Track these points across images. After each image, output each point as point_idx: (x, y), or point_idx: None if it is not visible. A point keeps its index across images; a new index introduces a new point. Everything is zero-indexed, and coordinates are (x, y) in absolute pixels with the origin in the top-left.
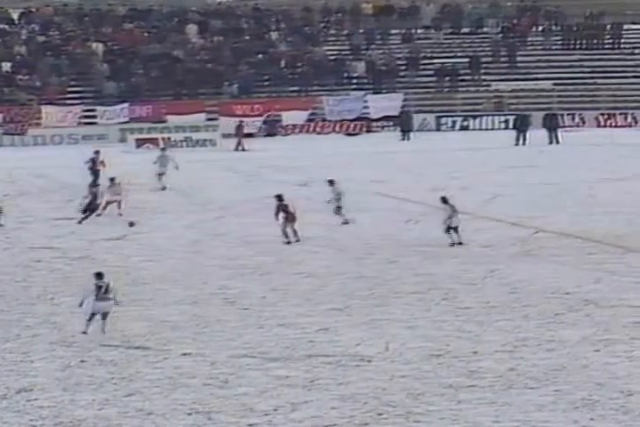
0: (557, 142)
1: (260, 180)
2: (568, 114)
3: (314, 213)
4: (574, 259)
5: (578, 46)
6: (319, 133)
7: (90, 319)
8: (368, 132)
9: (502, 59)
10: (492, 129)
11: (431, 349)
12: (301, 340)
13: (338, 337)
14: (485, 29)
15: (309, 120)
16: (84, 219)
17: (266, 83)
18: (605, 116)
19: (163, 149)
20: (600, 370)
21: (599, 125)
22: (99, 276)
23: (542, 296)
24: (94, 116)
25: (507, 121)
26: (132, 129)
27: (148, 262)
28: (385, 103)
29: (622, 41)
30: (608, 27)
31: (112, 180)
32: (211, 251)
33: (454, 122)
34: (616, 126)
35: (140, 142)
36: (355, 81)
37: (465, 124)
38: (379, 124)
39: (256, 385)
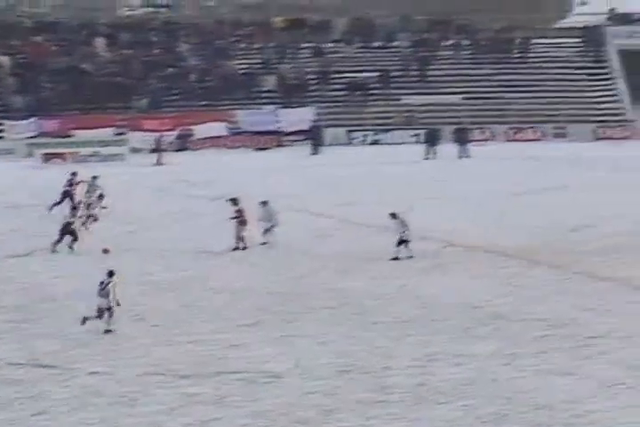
0: (467, 156)
1: (172, 194)
2: (478, 128)
3: (225, 228)
4: (484, 273)
5: (487, 61)
6: (230, 148)
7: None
8: (279, 146)
9: (413, 73)
10: (403, 143)
11: (342, 364)
12: (212, 356)
13: (249, 353)
14: (396, 43)
15: (220, 134)
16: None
17: (176, 97)
18: (514, 131)
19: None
20: (509, 384)
21: (508, 139)
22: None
23: (453, 310)
24: (1, 131)
25: (417, 135)
26: (39, 144)
27: (56, 279)
28: (296, 117)
29: (530, 55)
30: (517, 41)
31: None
32: (122, 266)
33: (365, 136)
34: (525, 140)
35: (48, 157)
36: (265, 95)
37: (376, 138)
38: (290, 138)
39: (165, 403)
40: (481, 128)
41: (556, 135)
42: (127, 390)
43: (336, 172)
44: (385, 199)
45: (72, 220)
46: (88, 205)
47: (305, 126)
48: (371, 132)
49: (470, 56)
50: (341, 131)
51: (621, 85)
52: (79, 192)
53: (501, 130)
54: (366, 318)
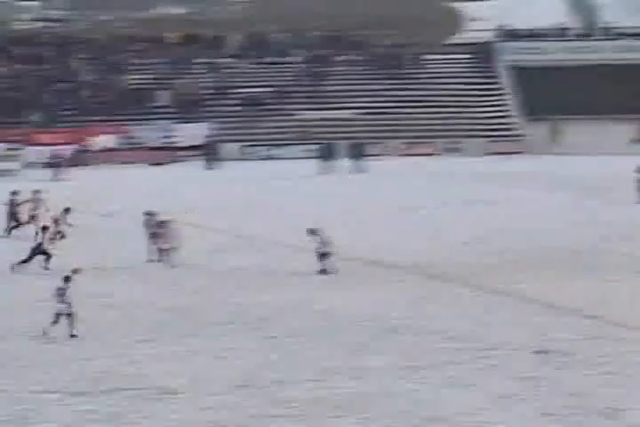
0: (362, 171)
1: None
2: (372, 143)
3: (119, 243)
4: (381, 286)
5: (381, 76)
6: (125, 163)
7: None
8: (174, 161)
9: (307, 88)
10: (298, 158)
11: (238, 379)
12: (106, 373)
13: (144, 369)
14: (290, 59)
15: (115, 149)
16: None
17: (70, 111)
18: (408, 145)
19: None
20: (404, 397)
21: (402, 154)
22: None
23: (350, 324)
24: None
25: (312, 150)
26: None
27: None
28: (191, 132)
29: (423, 71)
30: (409, 57)
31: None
32: (15, 283)
33: (260, 151)
34: (419, 155)
35: None
36: (160, 110)
37: (271, 153)
38: (185, 153)
39: (58, 421)
40: (375, 143)
41: (449, 150)
42: (19, 409)
43: (231, 187)
44: (281, 214)
45: (42, 240)
46: (55, 221)
47: (200, 141)
48: (265, 148)
49: (364, 72)
50: (236, 146)
51: (511, 101)
52: (26, 210)
53: (395, 145)
54: (263, 332)
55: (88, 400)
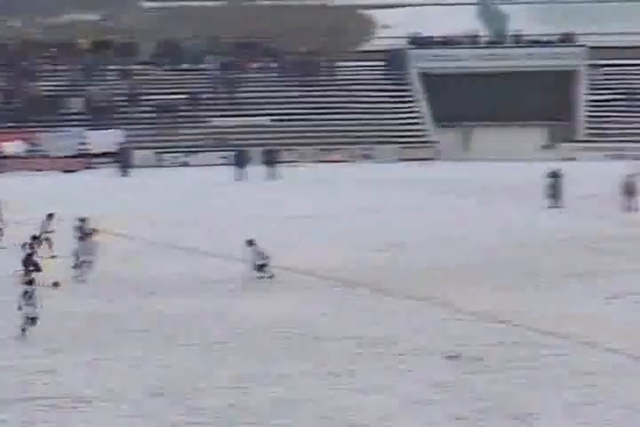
0: (277, 178)
1: None
2: (286, 149)
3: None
4: (299, 293)
5: (295, 83)
6: (38, 170)
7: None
8: (87, 168)
9: (222, 95)
10: (213, 165)
11: (154, 387)
12: (19, 382)
13: (58, 378)
14: (204, 66)
15: (27, 156)
16: None
17: None
18: (323, 152)
19: None
20: (322, 403)
21: (317, 161)
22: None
23: (268, 331)
24: None
25: (227, 157)
26: None
27: None
28: (104, 139)
29: (336, 78)
30: (323, 64)
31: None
32: None
33: (175, 158)
34: (333, 162)
35: None
36: (73, 117)
37: (185, 160)
38: (98, 160)
39: None
40: (290, 150)
41: (363, 156)
42: None
43: (145, 194)
44: (195, 221)
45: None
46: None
47: (113, 148)
48: (180, 154)
49: (278, 78)
50: (150, 153)
51: (423, 107)
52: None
53: (310, 151)
54: (179, 340)
55: (1, 409)
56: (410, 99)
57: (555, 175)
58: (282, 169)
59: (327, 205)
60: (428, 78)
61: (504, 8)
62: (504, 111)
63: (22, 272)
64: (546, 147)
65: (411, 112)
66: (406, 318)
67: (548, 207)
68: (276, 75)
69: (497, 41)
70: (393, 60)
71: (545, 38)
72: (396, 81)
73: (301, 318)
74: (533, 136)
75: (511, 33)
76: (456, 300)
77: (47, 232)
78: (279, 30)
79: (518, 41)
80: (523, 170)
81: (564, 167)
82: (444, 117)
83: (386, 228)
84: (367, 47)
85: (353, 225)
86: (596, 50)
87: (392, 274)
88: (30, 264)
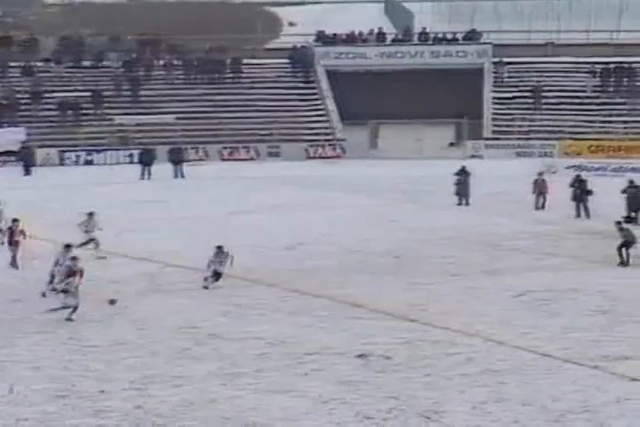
0: (183, 176)
1: None
2: (192, 148)
3: None
4: (202, 293)
5: (200, 81)
6: None
7: None
8: None
9: (125, 93)
10: (118, 163)
11: (57, 389)
12: None
13: None
14: (107, 63)
15: None
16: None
17: None
18: (229, 150)
19: None
20: (226, 404)
21: (223, 159)
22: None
23: (171, 331)
24: None
25: (131, 155)
26: None
27: None
28: (5, 138)
29: (242, 76)
30: (228, 61)
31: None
32: None
33: (78, 156)
34: (240, 160)
35: None
36: None
37: (89, 158)
38: (0, 159)
39: None
40: (195, 148)
41: (270, 154)
42: None
43: (48, 193)
44: (100, 221)
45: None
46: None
47: (15, 147)
48: (84, 153)
49: (182, 76)
50: (53, 151)
51: (330, 105)
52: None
53: (216, 149)
54: (81, 342)
55: None
56: (316, 97)
57: (462, 173)
58: (187, 167)
59: (232, 203)
60: (335, 76)
61: (409, 6)
62: (411, 109)
63: None
64: (452, 144)
65: (317, 110)
66: (312, 318)
67: (456, 205)
68: (181, 72)
69: (403, 39)
70: (299, 58)
71: (450, 36)
72: (303, 79)
73: (205, 317)
74: (440, 134)
75: (417, 31)
76: (363, 298)
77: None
78: (183, 27)
79: (424, 39)
80: (430, 168)
81: (470, 165)
82: (351, 115)
83: (291, 226)
84: (273, 45)
85: (258, 224)
86: (500, 47)
87: (297, 273)
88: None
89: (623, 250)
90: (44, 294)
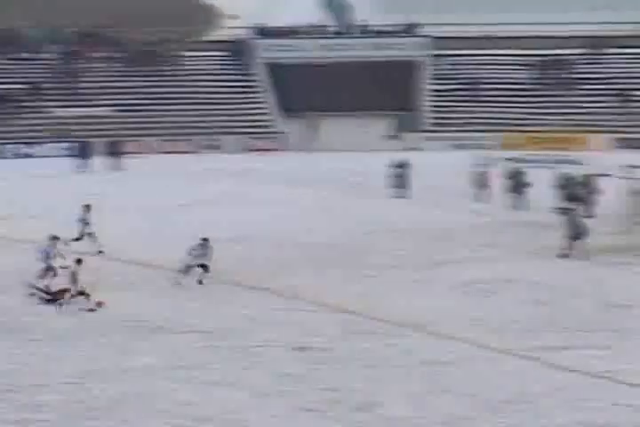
0: (121, 169)
1: None
2: (131, 140)
3: None
4: (143, 286)
5: (139, 73)
6: None
7: None
8: None
9: (64, 85)
10: (56, 156)
11: None
12: None
13: None
14: (45, 55)
15: None
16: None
17: None
18: (168, 143)
19: None
20: (167, 397)
21: (162, 152)
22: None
23: (112, 325)
24: None
25: (70, 148)
26: None
27: None
28: None
29: (182, 68)
30: (167, 54)
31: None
32: None
33: (17, 149)
34: (178, 153)
35: None
36: None
37: (28, 151)
38: None
39: None
40: (134, 141)
41: (209, 147)
42: None
43: None
44: (34, 213)
45: None
46: None
47: None
48: (22, 145)
49: (121, 68)
50: None
51: (270, 98)
52: None
53: (155, 142)
54: (22, 335)
55: None
56: (256, 89)
57: (401, 165)
58: (126, 160)
59: (170, 196)
60: (275, 68)
61: None
62: (351, 101)
63: None
64: (391, 137)
65: (257, 102)
66: (253, 310)
67: (395, 197)
68: (120, 64)
69: (342, 31)
70: (238, 51)
71: (390, 29)
72: (242, 71)
73: (147, 311)
74: (380, 126)
75: (356, 23)
76: (302, 291)
77: None
78: (123, 19)
79: (363, 31)
80: (369, 160)
81: (409, 157)
82: (290, 108)
83: (233, 219)
84: (213, 37)
85: (198, 216)
86: (439, 40)
87: (237, 266)
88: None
89: (574, 242)
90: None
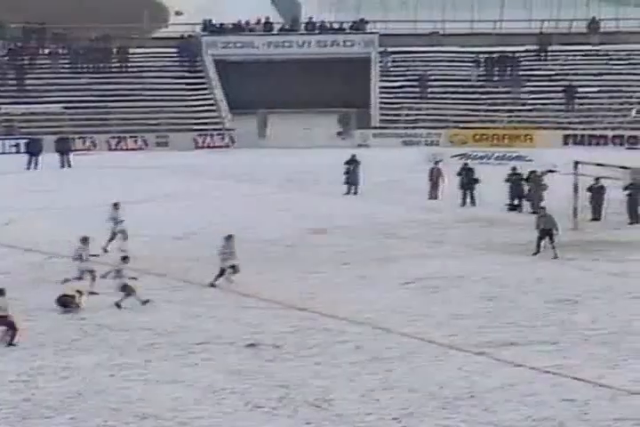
0: (69, 166)
1: None
2: (79, 137)
3: None
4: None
5: (86, 70)
6: None
7: None
8: None
9: (10, 81)
10: (4, 153)
11: None
12: None
13: None
14: None
15: None
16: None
17: None
18: (116, 140)
19: None
20: (115, 395)
21: (110, 149)
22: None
23: (58, 322)
24: None
25: (18, 145)
26: None
27: None
28: None
29: (129, 64)
30: (114, 50)
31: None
32: None
33: None
34: (127, 150)
35: None
36: None
37: None
38: None
39: None
40: (82, 138)
41: (158, 144)
42: None
43: None
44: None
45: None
46: None
47: None
48: None
49: (68, 65)
50: None
51: (218, 95)
52: None
53: (103, 139)
54: None
55: None
56: (204, 86)
57: (351, 162)
58: (74, 157)
59: (119, 193)
60: (223, 65)
61: None
62: (300, 98)
63: None
64: (340, 134)
65: (205, 99)
66: (203, 308)
67: (345, 194)
68: (67, 61)
69: (290, 28)
70: (186, 47)
71: (337, 25)
72: (190, 68)
73: (94, 308)
74: (329, 123)
75: (304, 20)
76: (253, 287)
77: None
78: (69, 16)
79: (311, 28)
80: (318, 157)
81: (358, 154)
82: (239, 105)
83: (181, 216)
84: (160, 34)
85: (146, 213)
86: (387, 37)
87: (187, 262)
88: None
89: (542, 239)
90: None
